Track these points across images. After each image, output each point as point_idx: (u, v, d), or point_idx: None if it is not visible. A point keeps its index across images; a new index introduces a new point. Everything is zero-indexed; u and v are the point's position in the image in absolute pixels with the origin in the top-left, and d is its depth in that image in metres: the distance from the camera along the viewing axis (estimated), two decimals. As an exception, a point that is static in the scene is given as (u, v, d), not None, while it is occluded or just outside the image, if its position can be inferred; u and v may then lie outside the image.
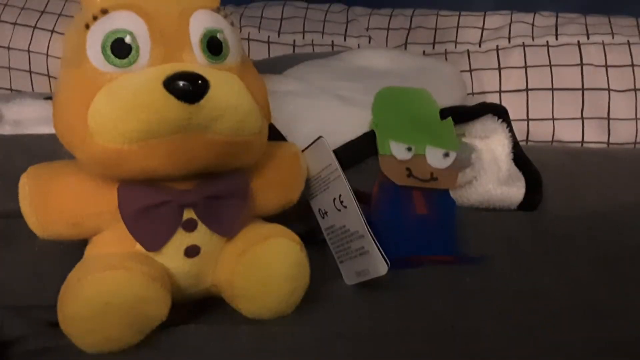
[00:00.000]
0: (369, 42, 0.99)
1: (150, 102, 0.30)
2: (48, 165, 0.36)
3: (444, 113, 0.53)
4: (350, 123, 0.53)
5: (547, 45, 0.93)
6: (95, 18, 0.33)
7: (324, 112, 0.56)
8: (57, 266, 0.35)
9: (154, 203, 0.34)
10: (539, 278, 0.44)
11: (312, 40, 1.00)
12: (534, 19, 0.97)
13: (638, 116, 0.89)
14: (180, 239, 0.35)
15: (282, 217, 0.41)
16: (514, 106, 0.88)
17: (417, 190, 0.48)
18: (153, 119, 0.30)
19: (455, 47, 0.96)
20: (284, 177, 0.42)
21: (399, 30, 1.00)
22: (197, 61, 0.34)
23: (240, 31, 1.00)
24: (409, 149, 0.49)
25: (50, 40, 1.03)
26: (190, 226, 0.35)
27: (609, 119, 0.89)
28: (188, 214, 0.35)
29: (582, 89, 0.90)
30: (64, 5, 1.07)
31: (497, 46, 0.94)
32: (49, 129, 0.38)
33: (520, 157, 0.58)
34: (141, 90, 0.31)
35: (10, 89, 1.04)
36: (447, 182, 0.49)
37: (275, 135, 0.48)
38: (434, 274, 0.44)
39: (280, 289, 0.37)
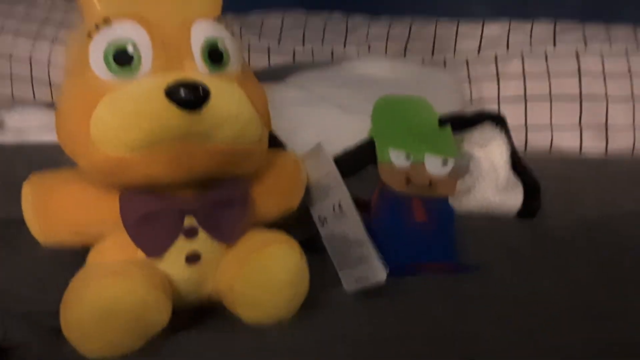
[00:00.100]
0: (369, 50, 1.00)
1: (152, 111, 0.31)
2: (50, 173, 0.37)
3: (443, 121, 0.53)
4: (350, 131, 0.53)
5: (545, 53, 0.93)
6: (97, 27, 0.33)
7: (323, 120, 0.56)
8: (59, 273, 0.35)
9: (155, 210, 0.34)
10: (538, 282, 0.44)
11: (312, 49, 1.01)
12: (532, 28, 0.97)
13: (635, 124, 0.89)
14: (181, 246, 0.35)
15: (282, 224, 0.41)
16: (513, 114, 0.89)
17: (416, 197, 0.48)
18: (155, 127, 0.31)
19: (454, 55, 0.96)
20: (284, 184, 0.42)
21: (398, 39, 1.01)
22: (198, 70, 0.34)
23: (241, 40, 1.00)
24: (408, 157, 0.49)
25: (51, 49, 1.04)
26: (191, 233, 0.36)
27: (606, 126, 0.89)
28: (189, 221, 0.35)
29: (580, 97, 0.90)
30: (65, 14, 1.08)
31: (496, 54, 0.94)
32: (50, 137, 0.38)
33: (518, 164, 0.58)
34: (143, 99, 0.31)
35: (12, 97, 1.05)
36: (446, 190, 0.50)
37: (275, 143, 0.49)
38: (433, 281, 0.44)
39: (280, 295, 0.37)
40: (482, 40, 0.97)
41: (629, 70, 0.90)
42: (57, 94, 1.03)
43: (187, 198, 0.35)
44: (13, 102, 0.99)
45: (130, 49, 0.33)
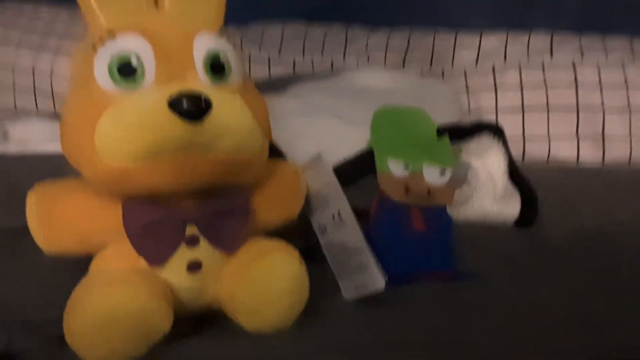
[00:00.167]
0: (368, 61, 1.01)
1: (155, 122, 0.31)
2: (55, 183, 0.37)
3: (441, 131, 0.54)
4: (349, 141, 0.54)
5: (543, 65, 0.94)
6: (102, 40, 0.34)
7: (323, 130, 0.57)
8: (62, 281, 0.35)
9: (157, 219, 0.35)
10: (536, 291, 0.44)
11: (312, 60, 1.02)
12: (529, 39, 0.98)
13: (632, 134, 0.90)
14: (183, 254, 0.36)
15: (283, 233, 0.41)
16: (510, 124, 0.89)
17: (415, 207, 0.49)
18: (157, 138, 0.31)
19: (452, 66, 0.97)
20: (285, 193, 0.43)
21: (397, 50, 1.01)
22: (200, 82, 0.34)
23: (241, 51, 1.01)
24: (407, 167, 0.49)
25: (54, 60, 1.04)
26: (192, 242, 0.36)
27: (603, 137, 0.90)
28: (190, 230, 0.36)
29: (577, 108, 0.91)
30: (68, 26, 1.09)
31: (493, 66, 0.95)
32: (54, 148, 0.39)
33: (516, 174, 0.59)
34: (146, 111, 0.31)
35: (15, 108, 1.05)
36: (444, 199, 0.50)
37: (275, 153, 0.49)
38: (432, 289, 0.45)
39: (281, 304, 0.37)
40: (480, 51, 0.98)
41: (625, 81, 0.91)
42: (59, 105, 1.03)
43: (189, 207, 0.36)
44: (16, 113, 0.99)
45: (134, 61, 0.33)
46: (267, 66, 1.02)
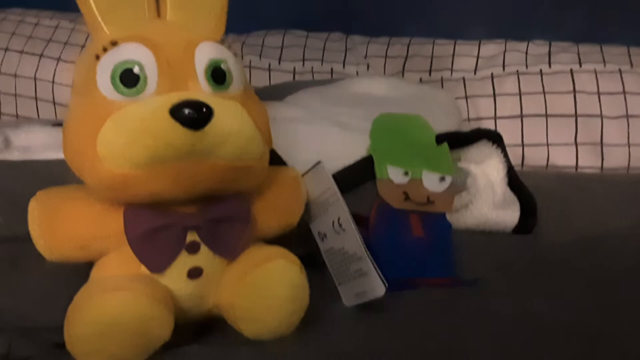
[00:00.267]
0: (367, 69, 1.01)
1: (157, 129, 0.31)
2: (56, 190, 0.37)
3: (440, 138, 0.54)
4: (349, 148, 0.54)
5: (541, 73, 0.94)
6: (105, 49, 0.34)
7: (323, 137, 0.57)
8: (63, 288, 0.35)
9: (158, 226, 0.35)
10: (533, 300, 0.44)
11: (312, 68, 1.02)
12: (527, 48, 0.99)
13: (630, 142, 0.90)
14: (184, 261, 0.36)
15: (283, 240, 0.42)
16: (509, 132, 0.90)
17: (414, 213, 0.49)
18: (159, 145, 0.32)
19: (451, 74, 0.98)
20: (285, 200, 0.43)
21: (396, 58, 1.02)
22: (202, 90, 0.35)
23: (242, 59, 1.02)
24: (406, 174, 0.50)
25: (56, 68, 1.05)
26: (193, 248, 0.36)
27: (602, 144, 0.90)
28: (191, 237, 0.36)
29: (576, 116, 0.91)
30: (70, 34, 1.09)
31: (492, 74, 0.96)
32: (56, 155, 0.39)
33: (515, 181, 0.59)
34: (148, 118, 0.32)
35: (17, 116, 1.06)
36: (444, 206, 0.50)
37: (276, 160, 0.49)
38: (431, 296, 0.45)
39: (281, 310, 0.37)
40: (479, 59, 0.98)
41: (623, 90, 0.92)
42: (61, 113, 1.03)
43: (190, 214, 0.36)
44: (18, 121, 1.00)
45: (136, 70, 0.34)
46: (268, 74, 1.02)
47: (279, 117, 0.56)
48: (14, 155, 0.55)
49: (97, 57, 0.34)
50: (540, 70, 0.94)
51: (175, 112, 0.31)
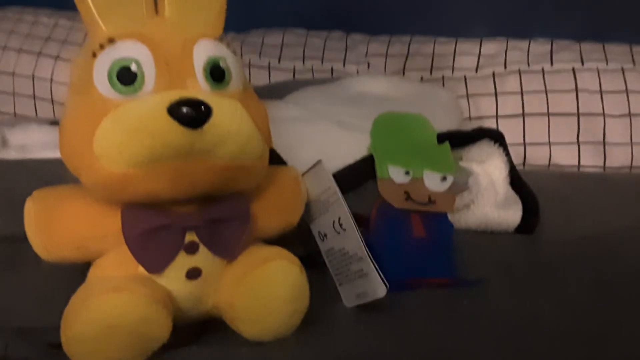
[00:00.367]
0: (368, 68, 1.01)
1: (155, 128, 0.31)
2: (53, 189, 0.37)
3: (441, 138, 0.54)
4: (350, 147, 0.54)
5: (543, 71, 0.94)
6: (102, 47, 0.34)
7: (323, 136, 0.57)
8: (61, 288, 0.35)
9: (156, 226, 0.35)
10: (535, 301, 0.44)
11: (312, 67, 1.02)
12: (529, 46, 0.98)
13: (633, 141, 0.90)
14: (182, 262, 0.36)
15: (283, 240, 0.41)
16: (511, 131, 0.89)
17: (415, 213, 0.49)
18: (157, 144, 0.31)
19: (453, 73, 0.97)
20: (285, 200, 0.43)
21: (397, 57, 1.02)
22: (200, 88, 0.34)
23: (242, 57, 1.01)
24: (407, 173, 0.49)
25: (54, 66, 1.05)
26: (192, 249, 0.36)
27: (604, 143, 0.90)
28: (190, 237, 0.36)
29: (578, 114, 0.91)
30: (69, 32, 1.09)
31: (494, 72, 0.95)
32: (53, 154, 0.39)
33: (517, 181, 0.59)
34: (146, 116, 0.31)
35: (14, 114, 1.06)
36: (445, 206, 0.50)
37: (275, 159, 0.49)
38: (432, 297, 0.44)
39: (281, 311, 0.37)
40: (480, 58, 0.98)
41: (626, 88, 0.91)
42: (59, 112, 1.03)
43: (189, 214, 0.36)
44: (15, 120, 0.99)
45: (133, 67, 0.33)
46: (267, 73, 1.02)
47: (278, 116, 0.55)
48: (11, 154, 0.54)
49: (94, 55, 0.34)
50: (542, 68, 0.94)
51: (174, 110, 0.31)
